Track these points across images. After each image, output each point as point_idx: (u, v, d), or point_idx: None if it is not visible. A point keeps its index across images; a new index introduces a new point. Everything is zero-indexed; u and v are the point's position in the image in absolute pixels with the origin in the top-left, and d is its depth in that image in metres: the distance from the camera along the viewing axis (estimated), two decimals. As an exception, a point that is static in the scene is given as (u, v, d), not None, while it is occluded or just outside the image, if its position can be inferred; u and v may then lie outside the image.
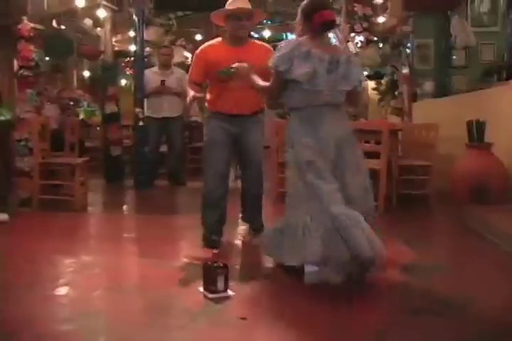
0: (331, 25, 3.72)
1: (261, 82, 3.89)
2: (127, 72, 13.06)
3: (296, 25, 3.84)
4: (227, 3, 4.40)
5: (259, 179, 4.64)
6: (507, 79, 7.29)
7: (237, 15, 4.30)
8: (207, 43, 4.54)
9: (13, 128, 6.22)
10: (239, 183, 7.65)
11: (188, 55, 12.81)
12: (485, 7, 9.57)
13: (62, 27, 8.84)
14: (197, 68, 4.46)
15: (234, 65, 4.06)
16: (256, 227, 4.67)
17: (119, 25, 9.04)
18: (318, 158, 3.56)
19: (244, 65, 4.01)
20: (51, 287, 3.45)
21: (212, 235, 4.39)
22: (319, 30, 3.67)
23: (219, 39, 4.54)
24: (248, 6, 4.34)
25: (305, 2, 3.74)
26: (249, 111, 4.51)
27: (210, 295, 3.19)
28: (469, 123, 5.70)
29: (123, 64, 13.14)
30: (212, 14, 4.41)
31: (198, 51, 4.51)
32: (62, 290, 3.41)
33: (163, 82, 7.85)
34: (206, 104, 4.61)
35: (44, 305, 3.17)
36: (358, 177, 3.70)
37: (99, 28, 9.07)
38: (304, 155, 3.59)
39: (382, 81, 10.35)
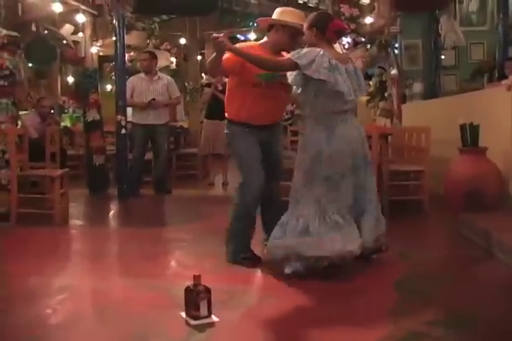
0: (344, 32, 4.11)
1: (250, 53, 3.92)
2: (113, 78, 12.85)
3: (304, 40, 4.04)
4: (283, 10, 4.18)
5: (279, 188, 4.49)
6: (499, 79, 7.13)
7: (298, 32, 4.10)
8: (245, 43, 4.34)
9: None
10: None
11: (173, 59, 12.66)
12: (473, 6, 9.45)
13: (45, 32, 8.67)
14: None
15: (214, 35, 3.84)
16: None
17: (100, 30, 8.85)
18: (341, 165, 3.83)
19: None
20: (21, 315, 3.21)
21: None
22: (334, 38, 3.97)
23: (257, 43, 4.30)
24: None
25: (314, 16, 3.97)
26: (278, 120, 4.41)
27: (193, 322, 2.97)
28: (463, 127, 5.51)
29: (108, 69, 12.96)
30: (273, 20, 4.15)
31: (244, 45, 4.22)
32: (32, 320, 3.16)
33: (152, 100, 7.65)
34: (228, 115, 4.31)
35: (11, 336, 2.94)
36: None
37: (81, 34, 8.87)
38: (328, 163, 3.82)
39: (371, 82, 10.20)
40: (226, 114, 4.33)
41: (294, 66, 3.78)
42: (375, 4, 8.82)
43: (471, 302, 3.37)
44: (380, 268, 4.07)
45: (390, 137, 7.04)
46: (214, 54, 3.96)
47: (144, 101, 7.67)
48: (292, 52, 3.87)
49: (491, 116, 5.70)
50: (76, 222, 6.19)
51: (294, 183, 3.98)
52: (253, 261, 4.17)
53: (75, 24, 8.58)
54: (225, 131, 4.33)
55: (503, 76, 7.00)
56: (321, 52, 3.78)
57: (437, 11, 8.82)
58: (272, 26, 4.18)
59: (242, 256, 4.19)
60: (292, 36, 4.15)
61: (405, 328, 2.94)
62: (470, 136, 5.47)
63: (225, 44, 3.78)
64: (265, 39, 4.27)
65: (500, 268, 4.06)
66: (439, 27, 8.54)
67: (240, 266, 4.12)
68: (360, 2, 9.75)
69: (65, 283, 3.92)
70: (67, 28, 8.77)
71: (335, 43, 4.11)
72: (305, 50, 3.84)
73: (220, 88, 8.36)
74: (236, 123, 4.22)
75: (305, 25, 3.98)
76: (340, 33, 4.02)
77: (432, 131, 6.15)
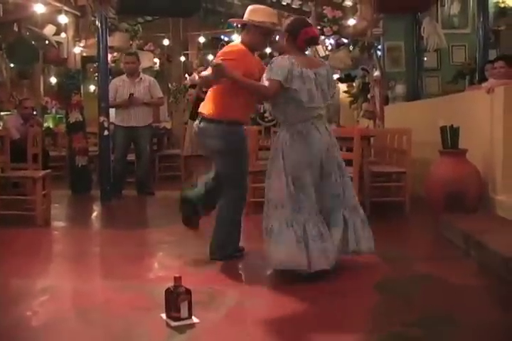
0: (315, 40, 4.02)
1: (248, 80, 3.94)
2: (96, 78, 12.82)
3: (278, 44, 4.19)
4: (255, 9, 4.17)
5: None
6: (479, 81, 7.19)
7: (270, 31, 4.18)
8: (239, 45, 4.23)
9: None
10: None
11: (156, 60, 12.63)
12: (455, 9, 9.53)
13: (27, 33, 8.63)
14: (229, 60, 3.98)
15: (215, 61, 3.84)
16: None
17: (83, 31, 8.81)
18: (305, 173, 3.82)
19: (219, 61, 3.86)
20: (3, 317, 3.20)
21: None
22: (304, 46, 3.95)
23: (240, 44, 4.25)
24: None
25: (289, 21, 3.98)
26: None
27: (173, 323, 2.98)
28: (443, 129, 5.56)
29: (91, 69, 12.91)
30: (247, 20, 4.16)
31: (226, 50, 4.18)
32: (15, 322, 3.16)
33: (131, 95, 7.65)
34: (217, 110, 4.20)
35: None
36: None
37: (63, 35, 8.83)
38: (292, 170, 3.81)
39: (354, 84, 10.25)
40: (217, 115, 4.20)
41: (279, 85, 3.75)
42: (358, 6, 8.85)
43: (450, 303, 3.40)
44: (360, 269, 4.10)
45: (372, 139, 7.08)
46: (208, 74, 3.99)
47: (125, 98, 7.68)
48: (266, 73, 3.82)
49: (471, 118, 5.76)
50: (58, 223, 6.17)
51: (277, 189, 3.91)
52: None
53: (58, 25, 8.54)
54: (221, 133, 4.19)
55: (483, 79, 7.06)
56: (292, 60, 3.79)
57: (419, 14, 8.90)
58: (245, 26, 4.20)
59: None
60: (264, 35, 4.18)
61: (384, 329, 2.98)
62: (450, 138, 5.52)
63: (227, 73, 3.83)
64: (241, 38, 4.31)
65: (478, 270, 4.10)
66: (422, 29, 8.60)
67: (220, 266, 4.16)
68: (343, 4, 9.80)
69: (47, 284, 3.91)
70: (49, 29, 8.72)
71: (306, 50, 4.07)
72: (274, 64, 3.80)
73: (205, 89, 8.38)
74: (229, 119, 4.17)
75: (284, 28, 3.99)
76: (310, 42, 3.97)
77: (413, 133, 6.20)
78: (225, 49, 4.25)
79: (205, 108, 4.31)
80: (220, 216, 4.38)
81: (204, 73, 4.19)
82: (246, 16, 4.20)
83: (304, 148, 3.83)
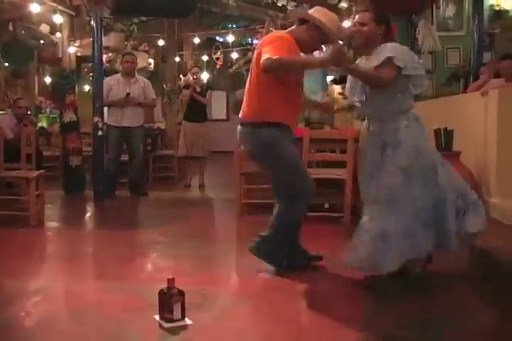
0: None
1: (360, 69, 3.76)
2: (90, 78, 12.81)
3: (364, 32, 3.74)
4: (323, 11, 3.91)
5: None
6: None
7: (327, 39, 3.89)
8: (276, 33, 3.94)
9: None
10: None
11: (151, 60, 12.63)
12: (450, 11, 9.55)
13: (22, 32, 8.64)
14: (287, 46, 3.69)
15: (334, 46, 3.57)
16: None
17: (78, 30, 8.81)
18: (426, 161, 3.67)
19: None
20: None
21: None
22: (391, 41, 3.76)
23: (288, 34, 3.89)
24: None
25: (383, 13, 3.83)
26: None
27: (166, 325, 2.97)
28: (437, 132, 5.57)
29: (86, 69, 12.91)
30: (320, 22, 3.81)
31: (283, 35, 3.82)
32: (8, 322, 3.14)
33: (128, 94, 7.63)
34: (261, 112, 3.83)
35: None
36: None
37: (58, 34, 8.83)
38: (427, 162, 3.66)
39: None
40: (258, 117, 3.86)
41: (398, 72, 3.59)
42: (353, 8, 8.87)
43: (447, 306, 3.39)
44: (356, 272, 4.09)
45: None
46: (324, 57, 3.61)
47: (121, 97, 7.65)
48: (387, 52, 3.58)
49: (465, 121, 5.77)
50: (52, 223, 6.15)
51: (387, 184, 3.66)
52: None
53: (52, 24, 8.54)
54: (256, 138, 3.88)
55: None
56: (405, 47, 3.72)
57: (414, 16, 8.92)
58: (304, 22, 3.90)
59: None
60: (318, 40, 3.90)
61: (381, 331, 2.96)
62: (444, 141, 5.53)
63: (347, 62, 3.57)
64: (291, 30, 3.97)
65: (476, 273, 4.09)
66: (417, 31, 8.62)
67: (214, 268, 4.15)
68: (339, 6, 9.81)
69: (40, 285, 3.90)
70: (43, 28, 8.73)
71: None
72: (394, 48, 3.62)
73: (198, 90, 8.39)
74: (272, 123, 3.81)
75: (369, 17, 3.76)
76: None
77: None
78: (278, 34, 3.92)
79: (242, 111, 3.99)
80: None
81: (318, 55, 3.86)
82: (312, 13, 3.91)
83: (422, 134, 3.74)
